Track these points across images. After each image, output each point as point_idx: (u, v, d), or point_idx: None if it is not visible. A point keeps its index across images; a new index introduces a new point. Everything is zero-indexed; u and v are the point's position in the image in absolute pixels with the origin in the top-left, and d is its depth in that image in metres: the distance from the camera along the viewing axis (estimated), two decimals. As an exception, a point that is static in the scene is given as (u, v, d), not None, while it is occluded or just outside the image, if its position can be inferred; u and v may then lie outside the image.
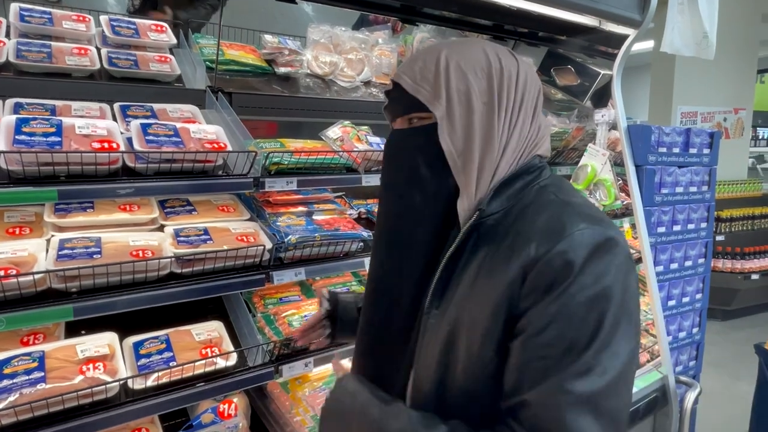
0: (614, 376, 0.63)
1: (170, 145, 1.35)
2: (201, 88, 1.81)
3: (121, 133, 1.41)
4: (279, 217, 1.62)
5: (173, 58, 1.88)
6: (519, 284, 0.67)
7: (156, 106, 1.61)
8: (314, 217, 1.67)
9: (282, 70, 2.12)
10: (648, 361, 2.03)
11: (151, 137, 1.34)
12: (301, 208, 1.70)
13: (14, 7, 1.70)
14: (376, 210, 2.03)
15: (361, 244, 1.70)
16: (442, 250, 0.77)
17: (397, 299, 0.80)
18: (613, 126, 2.12)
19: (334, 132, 1.74)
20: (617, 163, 2.14)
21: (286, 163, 1.52)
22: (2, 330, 1.16)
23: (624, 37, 1.92)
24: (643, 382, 1.89)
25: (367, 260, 1.71)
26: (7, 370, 1.19)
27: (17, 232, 1.34)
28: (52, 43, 1.66)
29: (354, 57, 2.48)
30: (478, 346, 0.69)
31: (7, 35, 1.68)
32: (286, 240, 1.48)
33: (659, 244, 2.13)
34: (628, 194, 2.07)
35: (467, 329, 0.70)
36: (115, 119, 1.49)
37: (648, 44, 7.95)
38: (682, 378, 2.02)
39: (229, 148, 1.45)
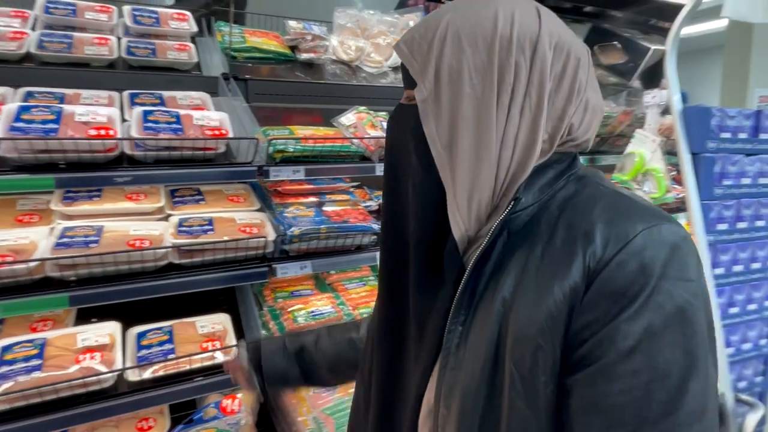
0: (704, 406, 0.51)
1: (169, 132, 1.31)
2: (215, 76, 1.77)
3: (125, 120, 1.40)
4: (287, 207, 1.55)
5: (193, 46, 1.86)
6: (582, 291, 0.54)
7: (166, 94, 1.59)
8: (324, 208, 1.59)
9: (304, 56, 2.05)
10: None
11: (150, 124, 1.31)
12: (311, 199, 1.62)
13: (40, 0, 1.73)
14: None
15: (374, 237, 1.60)
16: (443, 251, 0.63)
17: (403, 304, 0.68)
18: (667, 110, 1.88)
19: (348, 118, 1.64)
20: (672, 153, 1.89)
21: (291, 150, 1.45)
22: (2, 316, 1.17)
23: (679, 7, 1.68)
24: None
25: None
26: (8, 356, 1.20)
27: (26, 220, 1.35)
28: (75, 33, 1.68)
29: (382, 41, 2.37)
30: (528, 366, 0.56)
31: (34, 27, 1.72)
32: (288, 232, 1.40)
33: (719, 243, 1.87)
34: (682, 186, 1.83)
35: (514, 346, 0.56)
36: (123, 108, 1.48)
37: (722, 23, 7.22)
38: (744, 397, 1.76)
39: (231, 135, 1.39)
